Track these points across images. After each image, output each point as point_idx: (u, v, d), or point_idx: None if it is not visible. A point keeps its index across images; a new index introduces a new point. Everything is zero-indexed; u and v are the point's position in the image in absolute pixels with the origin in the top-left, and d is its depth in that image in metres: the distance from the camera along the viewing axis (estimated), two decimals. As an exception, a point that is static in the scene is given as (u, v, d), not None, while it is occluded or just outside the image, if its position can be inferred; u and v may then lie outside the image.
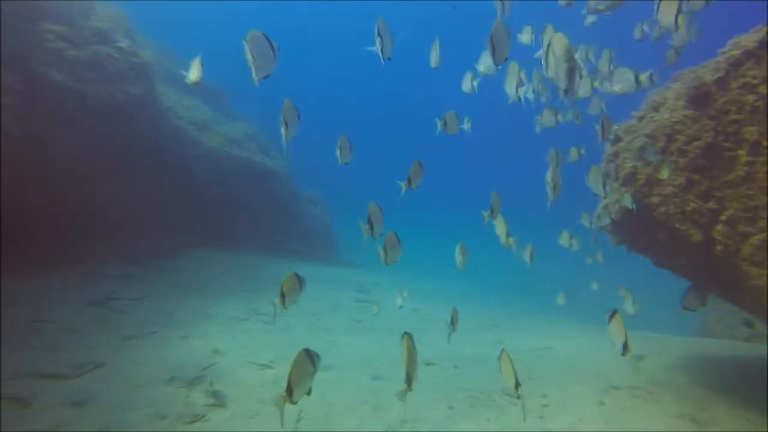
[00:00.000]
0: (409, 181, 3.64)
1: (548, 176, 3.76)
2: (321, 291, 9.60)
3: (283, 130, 2.77)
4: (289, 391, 2.51)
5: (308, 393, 2.62)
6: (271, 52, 2.55)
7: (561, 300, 6.64)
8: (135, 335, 5.93)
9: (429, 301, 10.43)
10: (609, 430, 4.41)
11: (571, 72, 2.19)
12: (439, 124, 4.29)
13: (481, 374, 5.89)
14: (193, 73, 3.40)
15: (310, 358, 2.59)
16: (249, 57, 2.45)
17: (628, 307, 5.31)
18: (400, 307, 5.38)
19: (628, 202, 4.75)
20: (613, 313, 3.28)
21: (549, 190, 3.78)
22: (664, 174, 4.40)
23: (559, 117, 5.37)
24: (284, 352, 6.18)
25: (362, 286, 10.93)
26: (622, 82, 4.49)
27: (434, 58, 4.06)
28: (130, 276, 7.92)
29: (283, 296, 3.18)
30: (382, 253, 3.32)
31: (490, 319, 9.17)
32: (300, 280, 3.27)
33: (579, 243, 5.35)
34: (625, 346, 3.12)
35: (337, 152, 3.35)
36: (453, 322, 3.83)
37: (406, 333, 2.93)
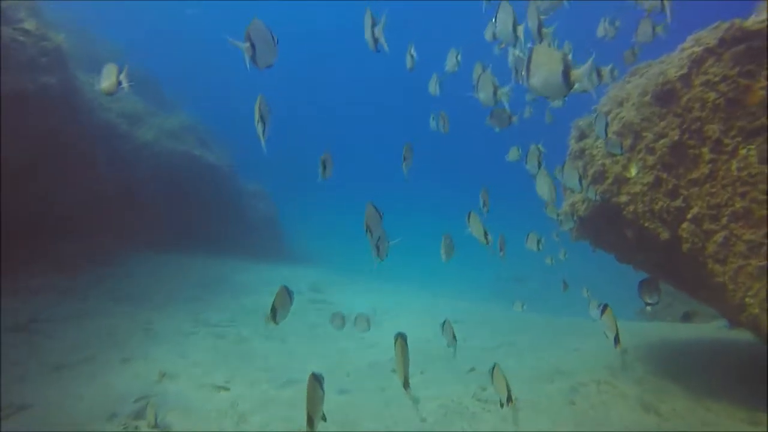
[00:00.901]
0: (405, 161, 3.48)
1: (541, 184, 3.60)
2: (274, 295, 9.10)
3: (259, 127, 2.46)
4: (310, 423, 2.38)
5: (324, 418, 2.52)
6: (273, 41, 2.41)
7: (518, 307, 6.70)
8: (67, 363, 5.25)
9: (389, 298, 10.20)
10: (582, 431, 4.38)
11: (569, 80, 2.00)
12: (433, 122, 4.10)
13: (450, 374, 5.74)
14: (106, 82, 2.91)
15: (318, 382, 2.46)
16: (247, 45, 2.35)
17: (593, 311, 5.37)
18: (367, 330, 5.08)
19: (592, 194, 4.69)
20: (605, 307, 3.45)
21: (545, 197, 3.65)
22: (633, 172, 4.35)
23: (514, 118, 5.23)
24: (240, 369, 5.73)
25: (316, 284, 10.52)
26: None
27: (410, 60, 3.79)
28: (58, 289, 7.08)
29: (274, 311, 2.97)
30: (375, 250, 3.09)
31: (453, 314, 9.09)
32: (290, 293, 3.11)
33: (543, 244, 5.31)
34: (617, 339, 3.39)
35: (320, 169, 3.07)
36: (452, 338, 3.62)
37: (399, 334, 2.77)
